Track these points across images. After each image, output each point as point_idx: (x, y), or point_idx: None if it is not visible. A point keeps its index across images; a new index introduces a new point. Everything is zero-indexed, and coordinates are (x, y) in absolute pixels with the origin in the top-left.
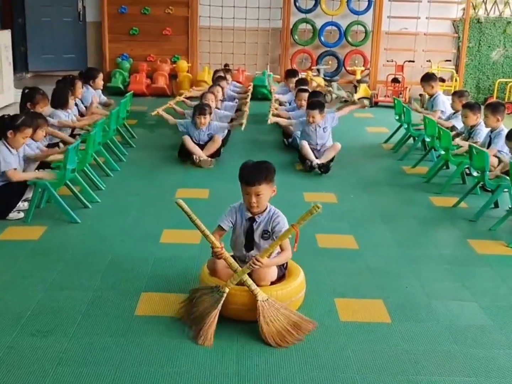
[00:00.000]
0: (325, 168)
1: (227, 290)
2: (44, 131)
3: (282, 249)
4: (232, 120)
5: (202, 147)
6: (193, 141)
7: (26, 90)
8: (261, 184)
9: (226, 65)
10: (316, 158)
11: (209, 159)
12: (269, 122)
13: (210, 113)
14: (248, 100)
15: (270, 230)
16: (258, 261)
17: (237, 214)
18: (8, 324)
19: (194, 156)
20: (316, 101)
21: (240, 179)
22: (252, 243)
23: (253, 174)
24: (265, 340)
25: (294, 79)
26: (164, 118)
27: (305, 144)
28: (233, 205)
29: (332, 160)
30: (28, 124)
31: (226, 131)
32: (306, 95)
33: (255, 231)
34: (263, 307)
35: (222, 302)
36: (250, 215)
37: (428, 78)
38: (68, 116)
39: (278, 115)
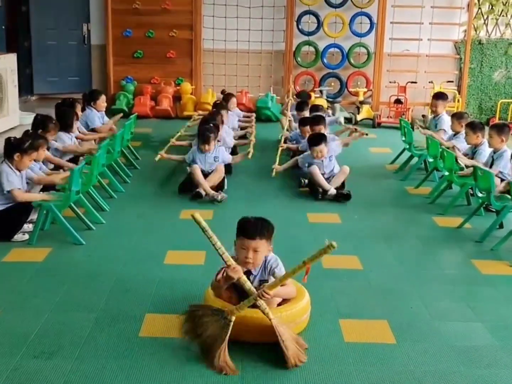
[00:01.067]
0: (344, 195)
1: (233, 318)
2: (45, 151)
3: (283, 284)
4: (234, 149)
5: (207, 175)
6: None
7: (39, 117)
8: (262, 239)
9: (223, 91)
10: None
11: (219, 193)
12: (273, 174)
13: (215, 138)
14: (253, 129)
15: (267, 278)
16: (266, 293)
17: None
18: (13, 346)
19: (200, 191)
20: (317, 135)
21: (238, 232)
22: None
23: (254, 228)
24: (292, 363)
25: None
26: (170, 160)
27: (315, 169)
28: (231, 252)
29: (343, 185)
30: (35, 148)
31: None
32: (308, 128)
33: (252, 283)
34: (277, 326)
35: (229, 331)
36: (245, 268)
37: (441, 97)
38: (71, 139)
39: (288, 149)
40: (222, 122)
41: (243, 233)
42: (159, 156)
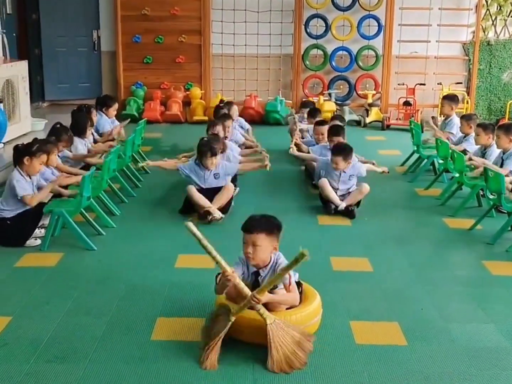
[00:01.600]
0: (350, 213)
1: (233, 319)
2: (56, 155)
3: (287, 291)
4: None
5: (209, 194)
6: (197, 189)
7: (58, 125)
8: (259, 234)
9: (221, 101)
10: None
11: (220, 215)
12: (290, 151)
13: (221, 150)
14: (260, 148)
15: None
16: (256, 298)
17: (244, 266)
18: (25, 351)
19: (202, 212)
20: (341, 146)
21: (242, 227)
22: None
23: (253, 222)
24: (271, 368)
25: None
26: (160, 168)
27: (325, 183)
28: (241, 256)
29: (358, 204)
30: (44, 150)
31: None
32: (324, 128)
33: (260, 284)
34: (272, 331)
35: (227, 329)
36: (255, 269)
37: (451, 99)
38: (85, 144)
39: (298, 147)
40: (225, 138)
41: (243, 228)
42: (144, 163)
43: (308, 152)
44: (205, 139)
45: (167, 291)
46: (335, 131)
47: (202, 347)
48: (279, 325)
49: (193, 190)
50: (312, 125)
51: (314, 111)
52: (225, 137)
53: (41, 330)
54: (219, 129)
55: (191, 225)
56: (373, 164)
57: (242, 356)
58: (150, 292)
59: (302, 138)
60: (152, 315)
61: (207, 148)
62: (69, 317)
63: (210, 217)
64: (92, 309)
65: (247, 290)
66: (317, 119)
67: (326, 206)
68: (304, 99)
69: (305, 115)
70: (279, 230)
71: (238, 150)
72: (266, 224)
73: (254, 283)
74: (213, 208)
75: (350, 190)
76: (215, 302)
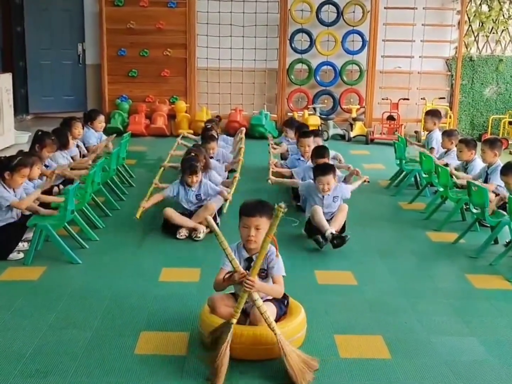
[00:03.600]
0: (339, 240)
1: (234, 320)
2: (39, 168)
3: (275, 283)
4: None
5: (190, 214)
6: (182, 207)
7: (39, 133)
8: (262, 217)
9: (217, 116)
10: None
11: (204, 231)
12: (269, 182)
13: (202, 169)
14: (239, 170)
15: (266, 268)
16: (249, 280)
17: (235, 254)
18: (7, 365)
19: (181, 232)
20: (326, 164)
21: (240, 212)
22: None
23: (255, 206)
24: (295, 378)
25: (293, 130)
26: (154, 204)
27: (319, 210)
28: (231, 245)
29: (344, 228)
30: (25, 164)
31: (221, 201)
32: (310, 140)
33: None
34: (282, 342)
35: (231, 332)
36: (247, 255)
37: (433, 114)
38: (65, 157)
39: (279, 173)
40: (210, 156)
41: (244, 212)
42: (140, 210)
43: (291, 175)
44: (188, 156)
45: (151, 305)
46: (319, 153)
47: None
48: (286, 341)
49: (169, 211)
50: (295, 137)
51: (301, 127)
52: (211, 157)
53: (23, 344)
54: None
55: (210, 219)
56: (348, 168)
57: (246, 374)
58: (133, 306)
59: (285, 159)
60: (136, 329)
61: (187, 165)
62: (52, 330)
63: (194, 235)
64: (75, 323)
65: (256, 295)
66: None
67: (315, 240)
68: (287, 118)
69: (289, 134)
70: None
71: (223, 172)
72: (267, 208)
73: (247, 270)
74: (197, 226)
75: (335, 212)
76: (199, 316)
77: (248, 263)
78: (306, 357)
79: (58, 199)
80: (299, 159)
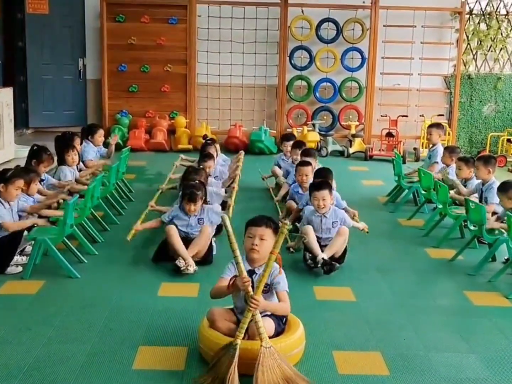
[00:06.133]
0: (328, 266)
1: (239, 341)
2: (37, 185)
3: (280, 300)
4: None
5: (187, 241)
6: (180, 235)
7: (35, 147)
8: (268, 228)
9: (205, 136)
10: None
11: (194, 269)
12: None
13: (202, 198)
14: (234, 192)
15: (269, 283)
16: (254, 299)
17: (235, 269)
18: (6, 379)
19: (179, 262)
20: (320, 181)
21: (247, 223)
22: None
23: (262, 218)
24: None
25: (299, 151)
26: (146, 228)
27: (310, 230)
28: (232, 260)
29: (344, 254)
30: (19, 176)
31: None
32: (308, 168)
33: (255, 283)
34: (264, 354)
35: (237, 354)
36: (249, 267)
37: (438, 126)
38: (72, 173)
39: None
40: (208, 176)
41: (251, 223)
42: (132, 232)
43: (300, 211)
44: (191, 182)
45: (150, 319)
46: (319, 185)
47: None
48: (274, 354)
49: (173, 230)
50: (291, 153)
51: (298, 144)
52: (208, 175)
53: (22, 358)
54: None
55: (226, 218)
56: (354, 216)
57: None
58: (132, 320)
59: (278, 183)
60: (134, 343)
61: (188, 192)
62: (50, 345)
63: (183, 267)
64: (73, 337)
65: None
66: (303, 155)
67: (304, 261)
68: (285, 133)
69: (287, 148)
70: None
71: (220, 189)
72: (273, 223)
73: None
74: (188, 260)
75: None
76: (199, 330)
77: (250, 274)
78: (293, 376)
79: (58, 212)
80: (298, 191)
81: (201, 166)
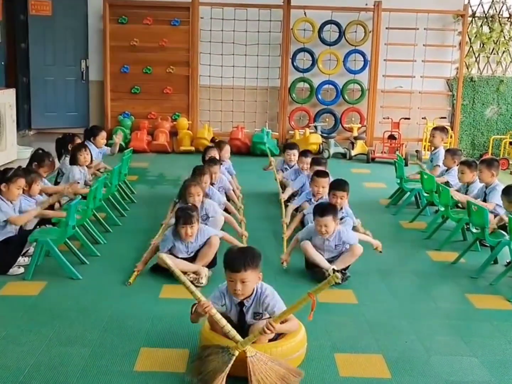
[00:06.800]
0: (341, 275)
1: (237, 353)
2: (39, 185)
3: (286, 320)
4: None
5: (192, 258)
6: (177, 257)
7: (40, 151)
8: (247, 271)
9: (213, 139)
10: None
11: (204, 272)
12: (285, 265)
13: (198, 220)
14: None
15: (261, 311)
16: (271, 325)
17: (225, 298)
18: (6, 380)
19: (189, 277)
20: (325, 206)
21: (224, 265)
22: (245, 325)
23: (238, 260)
24: None
25: (305, 159)
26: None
27: (308, 246)
28: (221, 287)
29: (347, 267)
30: (20, 175)
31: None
32: (326, 180)
33: (246, 314)
34: (253, 364)
35: (230, 364)
36: (239, 299)
37: (441, 130)
38: (83, 173)
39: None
40: (212, 184)
41: (228, 267)
42: (135, 274)
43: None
44: (183, 206)
45: (151, 321)
46: (323, 210)
47: None
48: (261, 359)
49: (165, 259)
50: (298, 162)
51: (304, 152)
52: (212, 184)
53: (22, 360)
54: (206, 178)
55: (164, 256)
56: (367, 235)
57: None
58: (133, 322)
59: (285, 185)
60: (136, 345)
61: (182, 214)
62: (51, 346)
63: (196, 280)
64: (75, 339)
65: (223, 321)
66: (307, 158)
67: (313, 273)
68: (287, 142)
69: (291, 157)
70: (260, 259)
71: (223, 201)
72: (251, 260)
73: (240, 313)
74: (199, 271)
75: (336, 257)
76: (200, 332)
77: (240, 307)
78: (287, 372)
79: (60, 213)
80: (310, 199)
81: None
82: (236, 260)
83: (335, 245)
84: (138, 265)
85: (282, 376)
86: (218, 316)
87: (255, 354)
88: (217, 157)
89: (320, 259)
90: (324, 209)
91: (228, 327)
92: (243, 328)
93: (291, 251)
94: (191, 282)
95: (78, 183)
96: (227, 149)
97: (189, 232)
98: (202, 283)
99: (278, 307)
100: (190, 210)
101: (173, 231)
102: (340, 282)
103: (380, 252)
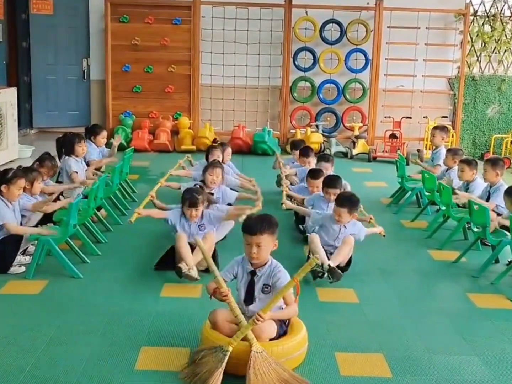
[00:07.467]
0: (335, 274)
1: (230, 348)
2: (40, 184)
3: (287, 304)
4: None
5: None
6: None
7: (46, 155)
8: (263, 234)
9: (215, 140)
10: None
11: (197, 276)
12: (283, 207)
13: (203, 202)
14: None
15: (270, 284)
16: (260, 316)
17: (238, 267)
18: (7, 379)
19: (182, 267)
20: (347, 196)
21: (242, 229)
22: (252, 297)
23: (255, 224)
24: None
25: (306, 158)
26: (150, 216)
27: (315, 238)
28: (236, 258)
29: (349, 263)
30: (20, 175)
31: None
32: (319, 181)
33: (255, 284)
34: (255, 358)
35: (225, 361)
36: (251, 268)
37: (442, 129)
38: (77, 164)
39: (291, 197)
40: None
41: (245, 230)
42: (135, 215)
43: (303, 202)
44: (191, 188)
45: (152, 320)
46: (332, 183)
47: None
48: (267, 359)
49: (183, 240)
50: (299, 161)
51: (305, 150)
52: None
53: (23, 358)
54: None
55: (199, 239)
56: (371, 219)
57: None
58: (134, 321)
59: (291, 184)
60: (137, 344)
61: (188, 197)
62: (52, 345)
63: (185, 270)
64: (75, 337)
65: (237, 311)
66: (309, 158)
67: (312, 273)
68: (294, 140)
69: (306, 165)
70: (277, 227)
71: (234, 195)
72: (268, 225)
73: (249, 283)
74: (191, 267)
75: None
76: (201, 332)
77: (251, 276)
78: (291, 378)
79: (66, 201)
80: (306, 187)
81: (202, 184)
82: (253, 223)
83: (350, 234)
84: (139, 209)
85: (285, 379)
86: (234, 305)
87: (261, 352)
88: (220, 159)
89: (323, 255)
90: (343, 200)
91: (241, 317)
92: (248, 299)
93: (295, 207)
94: (182, 270)
95: (77, 172)
96: (228, 151)
97: (193, 214)
98: (191, 273)
99: (283, 276)
100: (196, 193)
101: (180, 208)
102: (327, 274)
103: (384, 236)
